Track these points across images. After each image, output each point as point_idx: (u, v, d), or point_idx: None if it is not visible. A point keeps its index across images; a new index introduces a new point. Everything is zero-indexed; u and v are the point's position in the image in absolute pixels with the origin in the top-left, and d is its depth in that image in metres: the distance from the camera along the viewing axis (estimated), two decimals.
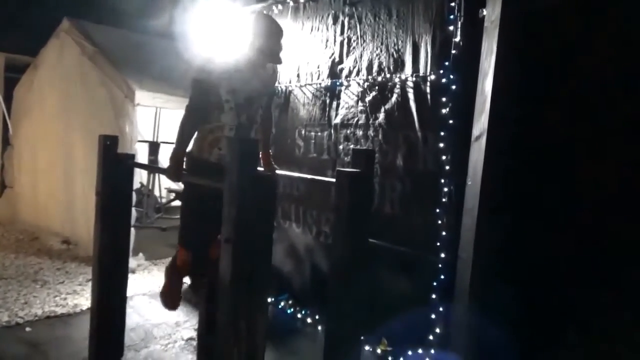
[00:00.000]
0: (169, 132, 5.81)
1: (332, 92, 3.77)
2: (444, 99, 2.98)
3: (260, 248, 1.95)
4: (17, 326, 3.47)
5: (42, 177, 6.06)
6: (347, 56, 3.67)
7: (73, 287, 4.29)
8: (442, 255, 2.94)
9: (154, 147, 6.90)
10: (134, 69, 5.16)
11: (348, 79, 3.64)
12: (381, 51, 3.42)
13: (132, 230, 4.22)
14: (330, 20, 3.81)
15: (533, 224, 2.84)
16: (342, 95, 3.69)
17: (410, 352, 3.08)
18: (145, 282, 4.61)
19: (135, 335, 3.45)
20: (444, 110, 2.98)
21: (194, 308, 3.84)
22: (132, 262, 4.68)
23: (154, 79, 5.17)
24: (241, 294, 1.87)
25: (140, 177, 6.81)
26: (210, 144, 2.67)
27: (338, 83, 3.72)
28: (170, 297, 2.90)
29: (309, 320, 3.82)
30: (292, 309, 3.97)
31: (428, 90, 3.10)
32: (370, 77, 3.47)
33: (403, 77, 3.25)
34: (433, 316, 2.96)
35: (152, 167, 6.42)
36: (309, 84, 3.96)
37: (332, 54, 3.77)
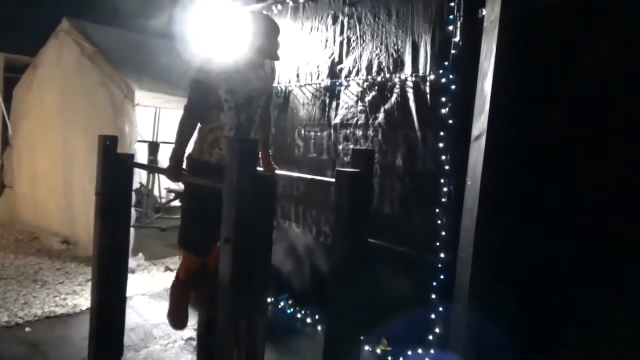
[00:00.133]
0: (169, 132, 5.80)
1: (332, 92, 3.77)
2: (443, 99, 2.98)
3: (260, 248, 1.95)
4: (16, 326, 3.47)
5: (42, 177, 6.06)
6: (347, 56, 3.67)
7: (73, 287, 4.29)
8: (442, 255, 2.94)
9: (153, 147, 6.90)
10: (133, 68, 5.16)
11: (348, 79, 3.64)
12: (381, 51, 3.42)
13: (132, 230, 4.23)
14: (329, 20, 3.81)
15: (533, 223, 2.84)
16: (342, 95, 3.69)
17: (409, 352, 3.08)
18: (144, 282, 4.61)
19: (134, 335, 3.45)
20: (443, 110, 2.98)
21: (194, 308, 3.84)
22: (132, 262, 4.68)
23: (154, 78, 5.18)
24: (241, 294, 1.87)
25: (139, 177, 6.81)
26: (210, 144, 2.67)
27: (337, 83, 3.72)
28: (178, 317, 2.89)
29: (308, 320, 3.82)
30: (291, 309, 3.97)
31: (427, 90, 3.10)
32: (369, 77, 3.47)
33: (402, 77, 3.25)
34: (432, 316, 2.96)
35: (152, 167, 6.42)
36: (309, 84, 3.96)
37: (332, 54, 3.77)
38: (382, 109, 3.38)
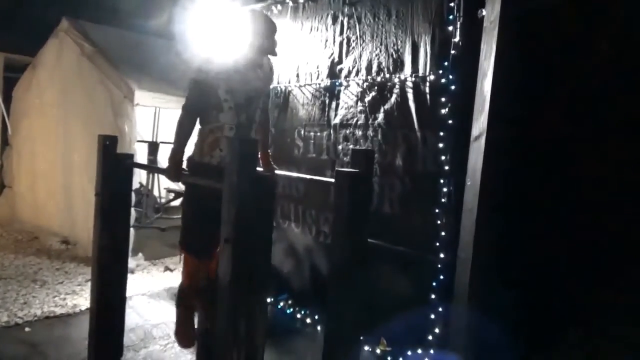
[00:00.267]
0: (169, 132, 5.80)
1: (332, 92, 3.77)
2: (443, 99, 2.98)
3: (259, 248, 1.95)
4: (16, 326, 3.47)
5: (41, 177, 6.06)
6: (347, 56, 3.66)
7: (72, 287, 4.28)
8: (442, 255, 2.94)
9: (153, 147, 6.89)
10: (133, 68, 5.16)
11: (347, 79, 3.64)
12: (380, 51, 3.42)
13: (132, 230, 4.23)
14: (329, 20, 3.81)
15: (533, 223, 2.84)
16: (342, 95, 3.69)
17: (409, 353, 3.08)
18: (144, 282, 4.61)
19: (134, 336, 3.44)
20: (443, 110, 2.98)
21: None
22: (132, 262, 4.67)
23: (153, 78, 5.17)
24: (241, 294, 1.87)
25: (139, 177, 6.79)
26: (210, 145, 2.67)
27: (337, 83, 3.72)
28: (185, 335, 2.87)
29: (308, 320, 3.81)
30: (291, 309, 3.97)
31: (427, 90, 3.10)
32: (369, 77, 3.47)
33: (402, 77, 3.25)
34: (432, 316, 2.96)
35: (152, 167, 6.42)
36: (308, 84, 3.96)
37: (332, 54, 3.77)
38: (381, 109, 3.38)
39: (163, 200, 7.77)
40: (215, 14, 4.52)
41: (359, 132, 3.53)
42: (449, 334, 2.89)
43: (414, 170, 3.17)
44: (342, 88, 3.68)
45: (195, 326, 2.88)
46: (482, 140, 2.71)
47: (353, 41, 3.62)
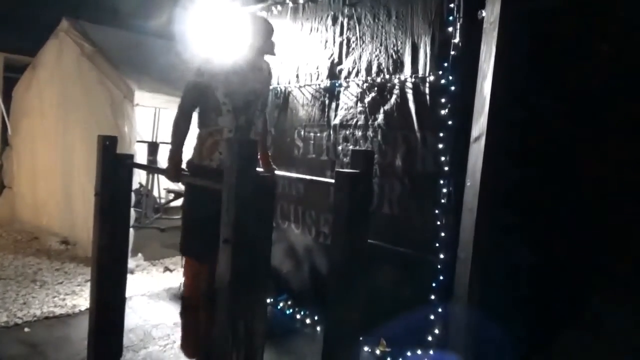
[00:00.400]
0: (168, 133, 5.80)
1: (331, 93, 3.77)
2: (443, 100, 2.98)
3: (259, 248, 1.95)
4: (15, 327, 3.47)
5: (41, 177, 6.06)
6: (346, 57, 3.67)
7: (72, 288, 4.28)
8: (441, 255, 2.94)
9: (153, 147, 6.90)
10: (133, 69, 5.16)
11: (347, 79, 3.64)
12: (380, 52, 3.42)
13: (131, 230, 4.23)
14: (329, 21, 3.81)
15: (533, 224, 2.84)
16: (341, 96, 3.69)
17: (409, 353, 3.08)
18: (144, 282, 4.60)
19: (134, 336, 3.44)
20: (443, 111, 2.98)
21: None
22: (131, 263, 4.68)
23: (153, 79, 5.17)
24: (240, 295, 1.87)
25: (139, 177, 6.80)
26: (209, 148, 2.67)
27: (337, 84, 3.72)
28: (190, 346, 2.83)
29: (307, 320, 3.81)
30: (291, 310, 3.97)
31: (427, 91, 3.10)
32: (369, 78, 3.48)
33: (402, 78, 3.25)
34: (432, 317, 2.96)
35: (151, 168, 6.41)
36: (308, 85, 3.96)
37: (331, 54, 3.77)
38: (381, 110, 3.38)
39: (163, 201, 7.77)
40: (215, 15, 4.52)
41: (358, 133, 3.53)
42: (448, 335, 2.89)
43: (413, 171, 3.17)
44: (342, 89, 3.68)
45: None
46: (482, 140, 2.71)
47: (353, 42, 3.62)
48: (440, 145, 2.99)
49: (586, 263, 2.69)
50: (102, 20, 6.19)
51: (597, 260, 2.66)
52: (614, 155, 2.62)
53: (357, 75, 3.57)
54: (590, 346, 2.66)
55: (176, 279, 4.56)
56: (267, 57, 2.89)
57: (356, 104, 3.57)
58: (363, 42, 3.55)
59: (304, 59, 4.00)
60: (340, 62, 3.71)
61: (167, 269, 5.05)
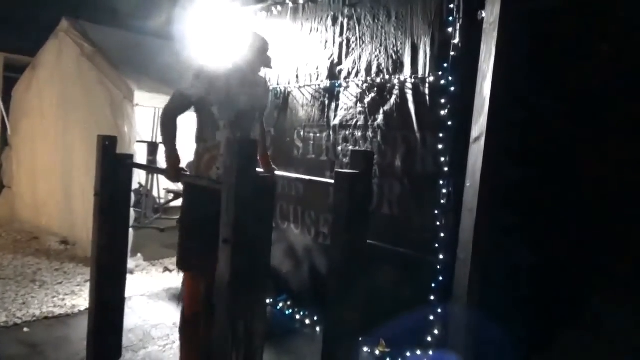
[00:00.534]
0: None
1: (331, 93, 3.77)
2: (442, 101, 2.98)
3: (258, 249, 1.95)
4: (15, 327, 3.47)
5: (41, 177, 6.05)
6: (346, 57, 3.67)
7: (71, 288, 4.28)
8: (441, 256, 2.94)
9: (152, 147, 6.89)
10: (133, 69, 5.16)
11: (347, 80, 3.64)
12: (380, 52, 3.42)
13: (131, 230, 4.23)
14: (329, 22, 3.81)
15: (532, 224, 2.84)
16: (341, 96, 3.69)
17: (408, 354, 3.08)
18: (143, 282, 4.60)
19: (133, 336, 3.44)
20: (442, 112, 2.98)
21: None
22: (131, 263, 4.67)
23: (153, 79, 5.17)
24: (240, 295, 1.87)
25: (138, 177, 6.80)
26: (206, 164, 2.67)
27: (337, 84, 3.72)
28: None
29: (307, 321, 3.81)
30: (290, 310, 3.97)
31: (427, 91, 3.10)
32: (369, 78, 3.47)
33: (402, 78, 3.25)
34: (431, 317, 2.95)
35: (151, 168, 6.41)
36: (308, 85, 3.96)
37: (331, 55, 3.77)
38: (381, 111, 3.38)
39: (162, 201, 7.77)
40: (215, 15, 4.52)
41: (358, 133, 3.53)
42: (448, 335, 2.89)
43: (413, 172, 3.17)
44: (342, 89, 3.68)
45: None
46: (482, 141, 2.71)
47: (353, 42, 3.62)
48: (440, 146, 2.99)
49: (586, 263, 2.69)
50: (102, 20, 6.20)
51: (597, 260, 2.66)
52: (614, 155, 2.62)
53: (356, 75, 3.57)
54: (590, 346, 2.66)
55: (176, 279, 4.55)
56: (265, 69, 2.90)
57: (356, 104, 3.57)
58: (363, 42, 3.55)
59: (304, 59, 4.00)
60: (340, 63, 3.71)
61: (166, 269, 5.04)
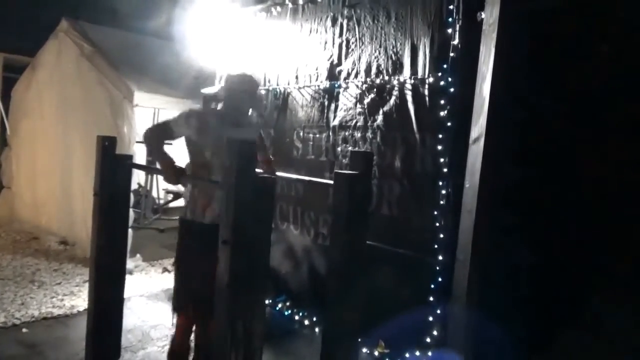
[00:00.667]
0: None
1: (331, 94, 3.77)
2: (442, 102, 2.99)
3: (258, 249, 1.95)
4: (13, 327, 3.46)
5: (40, 178, 6.05)
6: (346, 58, 3.67)
7: (70, 288, 4.27)
8: (440, 257, 2.94)
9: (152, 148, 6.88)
10: (132, 69, 5.16)
11: (346, 81, 3.65)
12: (379, 53, 3.42)
13: (130, 231, 4.23)
14: (328, 22, 3.81)
15: (532, 224, 2.84)
16: (341, 97, 3.69)
17: (407, 354, 3.08)
18: (142, 283, 4.60)
19: (132, 337, 3.44)
20: (442, 113, 2.98)
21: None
22: (130, 263, 4.67)
23: (153, 79, 5.17)
24: (239, 296, 1.87)
25: (138, 178, 6.80)
26: (202, 206, 2.65)
27: (336, 85, 3.72)
28: None
29: (306, 322, 3.81)
30: (289, 311, 3.97)
31: (426, 92, 3.10)
32: (368, 79, 3.48)
33: (401, 79, 3.25)
34: (430, 318, 2.95)
35: (150, 168, 6.40)
36: (308, 86, 3.96)
37: (331, 56, 3.77)
38: (380, 111, 3.38)
39: (162, 201, 7.77)
40: (215, 16, 4.52)
41: (357, 134, 3.53)
42: (447, 336, 2.88)
43: (412, 172, 3.17)
44: (341, 90, 3.69)
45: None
46: (481, 142, 2.71)
47: (352, 43, 3.63)
48: (439, 147, 2.99)
49: (586, 263, 2.69)
50: (101, 20, 6.20)
51: (597, 260, 2.66)
52: (613, 156, 2.62)
53: (356, 76, 3.57)
54: (590, 346, 2.65)
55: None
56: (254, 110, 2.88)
57: (355, 105, 3.57)
58: (362, 43, 3.55)
59: (304, 60, 4.00)
60: (339, 64, 3.72)
61: (165, 269, 5.04)
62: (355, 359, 2.19)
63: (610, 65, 2.65)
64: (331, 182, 2.09)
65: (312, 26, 3.95)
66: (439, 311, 2.93)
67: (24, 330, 3.45)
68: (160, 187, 7.68)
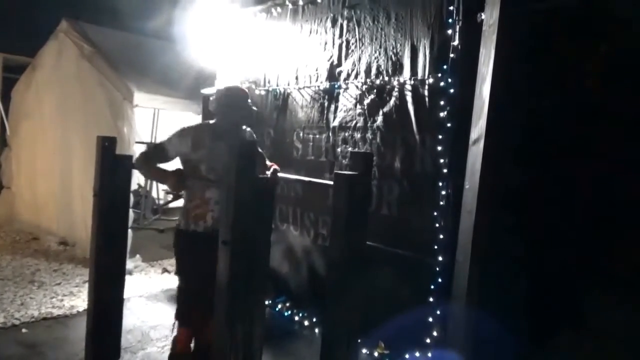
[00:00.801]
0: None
1: (331, 95, 3.78)
2: (442, 102, 2.99)
3: (258, 250, 1.95)
4: (13, 327, 3.46)
5: (40, 178, 6.05)
6: (346, 59, 3.67)
7: (70, 289, 4.27)
8: (440, 257, 2.94)
9: None
10: (132, 70, 5.16)
11: (346, 81, 3.65)
12: (379, 54, 3.42)
13: (130, 231, 4.22)
14: (329, 23, 3.81)
15: (532, 226, 2.84)
16: (341, 98, 3.69)
17: (407, 355, 3.08)
18: (142, 283, 4.60)
19: (132, 337, 3.44)
20: (442, 114, 2.98)
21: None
22: (129, 264, 4.67)
23: (153, 80, 5.18)
24: (238, 296, 1.87)
25: (137, 178, 6.79)
26: (195, 217, 2.70)
27: (336, 86, 3.72)
28: None
29: (306, 322, 3.81)
30: (289, 312, 3.97)
31: (426, 93, 3.10)
32: (368, 80, 3.48)
33: (401, 80, 3.25)
34: (430, 319, 2.95)
35: None
36: (308, 87, 3.96)
37: (331, 56, 3.78)
38: (380, 112, 3.38)
39: (161, 202, 7.77)
40: (215, 16, 4.52)
41: (357, 135, 3.53)
42: (447, 337, 2.88)
43: (412, 173, 3.18)
44: (341, 91, 3.69)
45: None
46: (481, 143, 2.71)
47: (352, 44, 3.63)
48: (439, 148, 2.99)
49: (586, 263, 2.69)
50: (101, 21, 6.20)
51: (597, 260, 2.67)
52: (613, 156, 2.62)
53: (356, 77, 3.57)
54: (590, 346, 2.66)
55: (175, 280, 4.55)
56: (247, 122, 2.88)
57: (355, 106, 3.57)
58: (362, 44, 3.55)
59: (304, 60, 4.00)
60: (339, 64, 3.72)
61: (165, 270, 5.04)
62: (355, 359, 2.19)
63: (610, 66, 2.65)
64: (331, 182, 2.09)
65: (312, 27, 3.95)
66: (438, 312, 2.93)
67: (24, 330, 3.45)
68: (160, 187, 7.69)
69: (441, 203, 2.96)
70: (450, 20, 2.95)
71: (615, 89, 2.62)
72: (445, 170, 2.96)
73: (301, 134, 4.01)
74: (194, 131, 2.72)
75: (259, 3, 4.36)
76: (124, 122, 4.79)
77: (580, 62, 2.72)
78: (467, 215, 2.77)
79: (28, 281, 4.39)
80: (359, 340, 2.69)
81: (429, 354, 2.96)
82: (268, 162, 2.87)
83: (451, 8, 2.94)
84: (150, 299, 4.22)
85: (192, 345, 2.95)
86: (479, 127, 2.73)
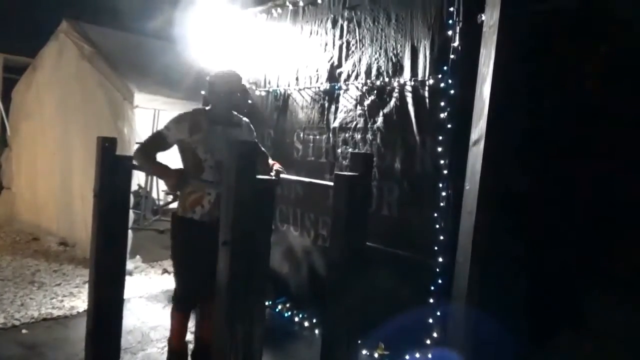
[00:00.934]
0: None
1: (331, 96, 3.78)
2: (442, 103, 2.99)
3: (257, 251, 1.95)
4: (13, 328, 3.46)
5: (40, 179, 6.05)
6: (346, 60, 3.67)
7: (70, 289, 4.27)
8: (440, 258, 2.94)
9: None
10: (132, 70, 5.16)
11: (347, 82, 3.65)
12: (380, 55, 3.42)
13: (130, 232, 4.22)
14: (329, 24, 3.81)
15: (532, 226, 2.84)
16: (341, 99, 3.69)
17: (407, 356, 3.08)
18: (142, 284, 4.60)
19: (132, 338, 3.44)
20: (442, 115, 2.98)
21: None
22: (130, 264, 4.67)
23: (153, 81, 5.17)
24: (238, 297, 1.87)
25: (138, 179, 6.80)
26: (191, 203, 2.70)
27: (337, 87, 3.72)
28: None
29: (306, 323, 3.81)
30: (289, 313, 3.97)
31: (426, 94, 3.10)
32: (368, 81, 3.48)
33: (402, 81, 3.25)
34: (430, 320, 2.95)
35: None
36: (308, 88, 3.97)
37: (331, 57, 3.78)
38: (381, 113, 3.38)
39: (161, 202, 7.77)
40: (215, 17, 4.53)
41: (358, 136, 3.53)
42: (447, 338, 2.88)
43: (412, 174, 3.18)
44: (342, 92, 3.69)
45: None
46: (481, 144, 2.72)
47: (353, 45, 3.63)
48: (439, 149, 2.99)
49: (586, 263, 2.69)
50: (102, 21, 6.20)
51: (597, 260, 2.67)
52: (614, 156, 2.62)
53: (356, 78, 3.58)
54: (589, 346, 2.65)
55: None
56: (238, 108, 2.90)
57: (355, 106, 3.57)
58: (363, 45, 3.55)
59: (304, 61, 4.00)
60: (340, 65, 3.72)
61: (165, 270, 5.04)
62: None
63: (610, 66, 2.66)
64: (331, 183, 2.09)
65: (313, 28, 3.95)
66: (438, 313, 2.93)
67: (24, 331, 3.45)
68: (160, 188, 7.68)
69: (441, 204, 2.96)
70: (450, 22, 2.95)
71: (615, 89, 2.62)
72: (445, 171, 2.96)
73: (301, 135, 4.01)
74: (191, 116, 2.73)
75: (259, 4, 4.36)
76: (124, 123, 4.79)
77: (581, 63, 2.72)
78: (467, 216, 2.77)
79: (28, 282, 4.39)
80: (359, 341, 2.69)
81: (429, 355, 2.96)
82: (271, 161, 2.87)
83: (451, 9, 2.94)
84: (150, 300, 4.22)
85: (190, 345, 2.95)
86: (479, 128, 2.74)
